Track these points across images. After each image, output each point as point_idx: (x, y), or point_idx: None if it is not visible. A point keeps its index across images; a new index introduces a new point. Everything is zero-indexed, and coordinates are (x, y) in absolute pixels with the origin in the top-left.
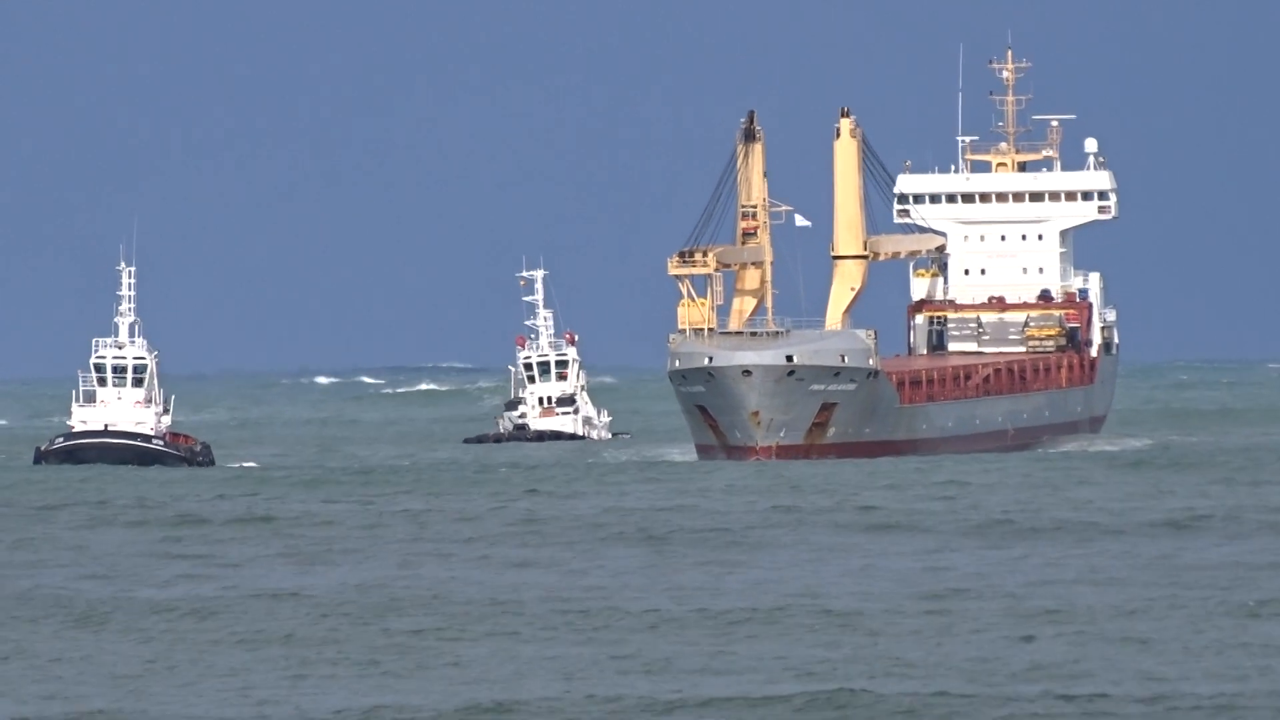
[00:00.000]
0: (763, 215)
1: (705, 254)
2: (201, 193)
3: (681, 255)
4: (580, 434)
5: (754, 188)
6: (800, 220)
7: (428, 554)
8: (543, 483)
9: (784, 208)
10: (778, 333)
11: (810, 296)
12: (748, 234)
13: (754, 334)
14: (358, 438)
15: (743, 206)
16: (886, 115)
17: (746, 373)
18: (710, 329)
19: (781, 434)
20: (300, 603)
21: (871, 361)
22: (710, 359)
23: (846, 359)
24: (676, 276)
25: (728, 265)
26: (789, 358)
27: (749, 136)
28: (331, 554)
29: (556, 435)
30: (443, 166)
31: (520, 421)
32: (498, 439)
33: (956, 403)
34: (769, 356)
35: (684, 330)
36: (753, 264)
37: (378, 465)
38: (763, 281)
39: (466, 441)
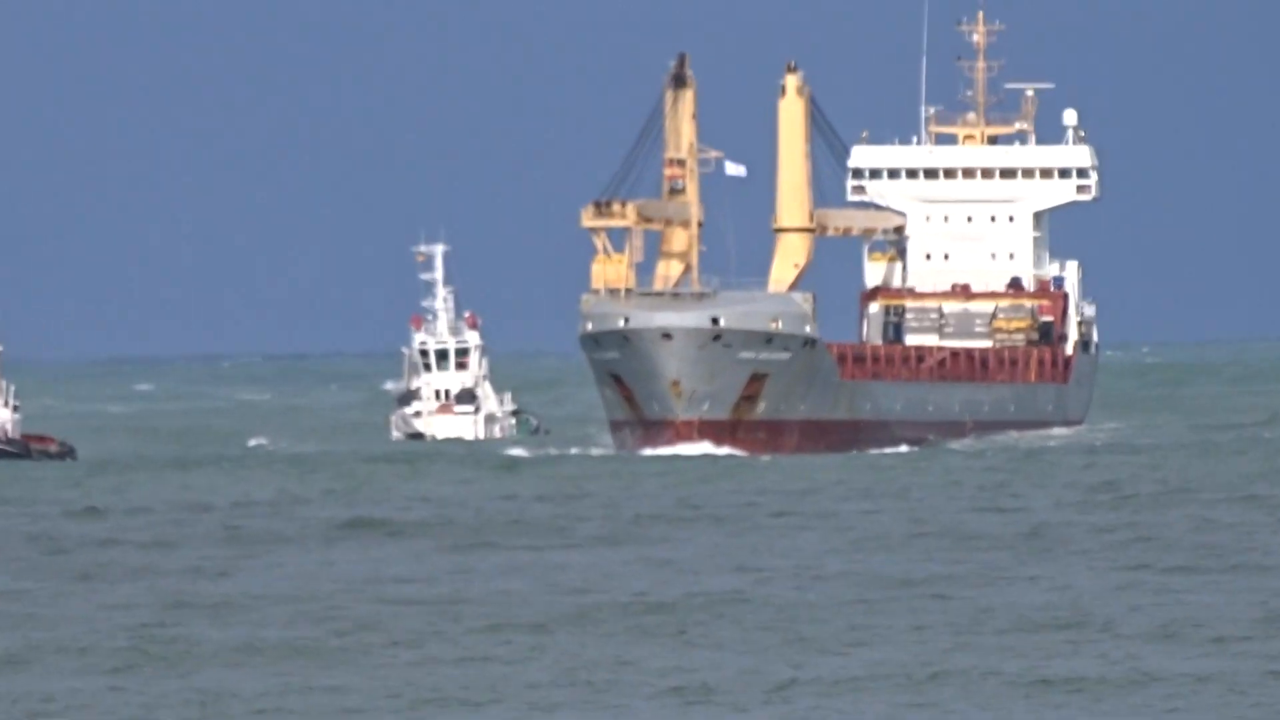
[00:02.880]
0: (691, 163)
1: (624, 205)
2: (68, 168)
3: (597, 205)
4: (481, 437)
5: (682, 136)
6: (732, 168)
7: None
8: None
9: (714, 154)
10: (703, 294)
11: (745, 261)
12: (674, 188)
13: (676, 295)
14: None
15: (669, 156)
16: (840, 78)
17: (666, 336)
18: (628, 289)
19: (705, 407)
20: None
21: (808, 328)
22: (626, 320)
23: (780, 324)
24: (591, 230)
25: (650, 221)
26: (715, 320)
27: (679, 82)
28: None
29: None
30: (329, 133)
31: (412, 431)
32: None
33: (906, 384)
34: (692, 319)
35: (598, 290)
36: (679, 222)
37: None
38: (690, 243)
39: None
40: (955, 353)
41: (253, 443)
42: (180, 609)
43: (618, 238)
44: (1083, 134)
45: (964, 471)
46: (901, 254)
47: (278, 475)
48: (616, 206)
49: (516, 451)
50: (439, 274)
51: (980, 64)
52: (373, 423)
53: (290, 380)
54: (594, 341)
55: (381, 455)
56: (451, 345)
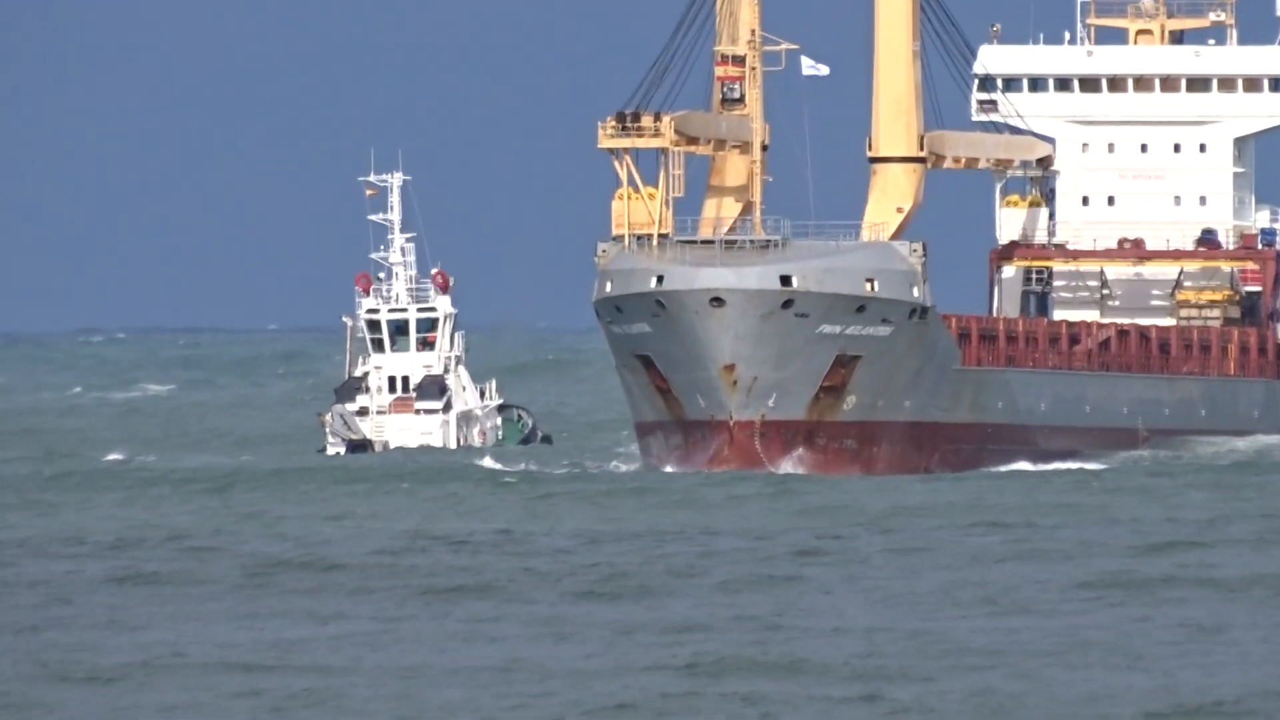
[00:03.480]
0: (753, 60)
1: (658, 118)
2: None
3: (621, 119)
4: (453, 445)
5: (740, 22)
6: (810, 66)
7: None
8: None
9: (785, 46)
10: (768, 242)
11: (829, 199)
12: (728, 95)
13: (730, 244)
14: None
15: (721, 51)
16: None
17: (717, 302)
18: (663, 235)
19: (770, 402)
20: None
21: (917, 292)
22: (660, 279)
23: (877, 285)
24: (612, 153)
25: (694, 141)
26: (785, 279)
27: None
28: None
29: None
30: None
31: (353, 438)
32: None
33: (1055, 374)
34: (753, 277)
35: (621, 237)
36: (735, 143)
37: None
38: (751, 172)
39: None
40: (1124, 331)
41: (112, 457)
42: None
43: (649, 164)
44: None
45: (1153, 503)
46: (1048, 198)
47: (111, 510)
48: (648, 120)
49: (497, 466)
50: (395, 215)
51: None
52: (302, 426)
53: (196, 366)
54: (615, 309)
55: (295, 476)
56: (412, 314)
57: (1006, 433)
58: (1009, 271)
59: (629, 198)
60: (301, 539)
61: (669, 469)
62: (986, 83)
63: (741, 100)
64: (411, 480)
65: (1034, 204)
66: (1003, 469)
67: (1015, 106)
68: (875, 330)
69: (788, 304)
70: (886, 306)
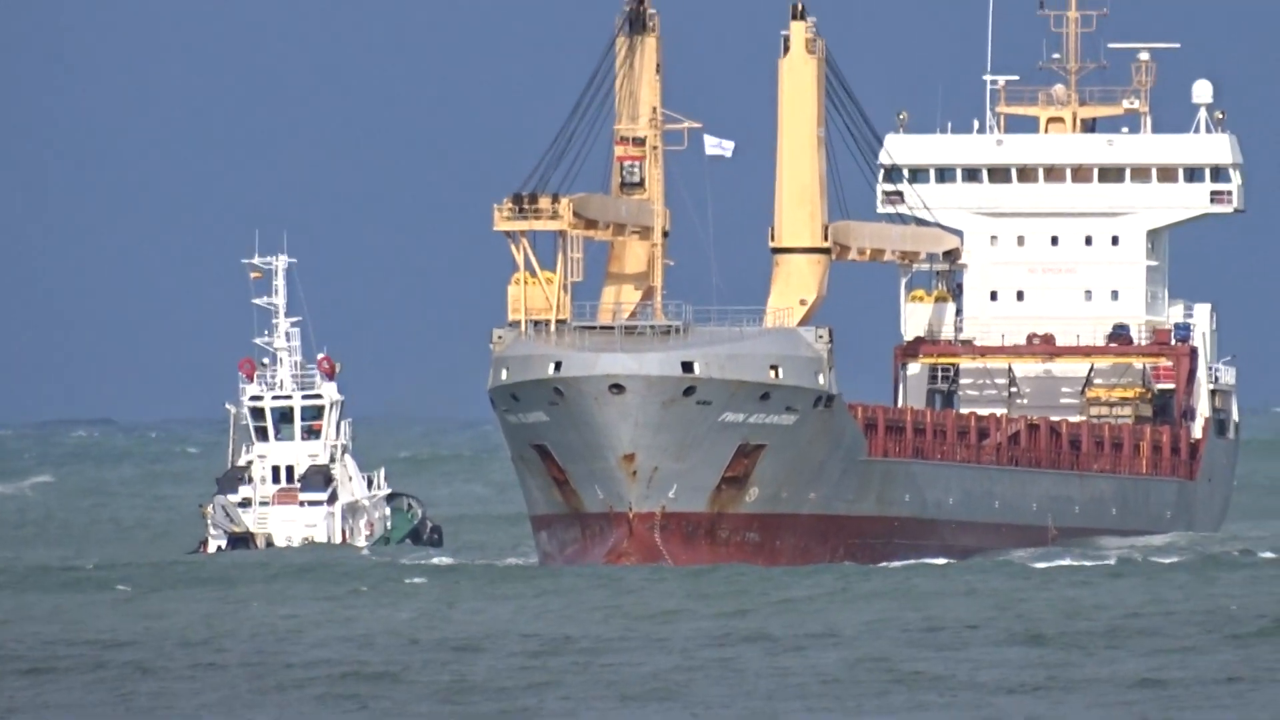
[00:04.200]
0: (654, 140)
1: (556, 201)
2: None
3: (517, 201)
4: (338, 539)
5: (641, 102)
6: (714, 145)
7: None
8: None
9: (687, 124)
10: (669, 328)
11: (733, 283)
12: (628, 178)
13: (631, 329)
14: None
15: (621, 131)
16: (869, 32)
17: (616, 389)
18: (561, 320)
19: (671, 493)
20: None
21: (822, 380)
22: (557, 365)
23: (781, 372)
24: (508, 235)
25: (593, 225)
26: (686, 366)
27: (636, 24)
28: None
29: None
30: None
31: (235, 530)
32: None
33: (964, 467)
34: (654, 363)
35: (517, 322)
36: (635, 228)
37: None
38: (651, 258)
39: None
40: (1034, 425)
41: None
42: None
43: (546, 248)
44: (1220, 116)
45: (1060, 605)
46: (955, 291)
47: None
48: (545, 202)
49: (378, 559)
50: (280, 299)
51: (1073, 13)
52: (182, 517)
53: (80, 458)
54: (511, 397)
55: (163, 576)
56: (297, 401)
57: (914, 527)
58: (914, 368)
59: (526, 282)
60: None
61: (571, 564)
62: (892, 173)
63: (641, 184)
64: (312, 583)
65: (940, 299)
66: (912, 564)
67: (922, 197)
68: (779, 419)
69: (689, 391)
70: (791, 394)
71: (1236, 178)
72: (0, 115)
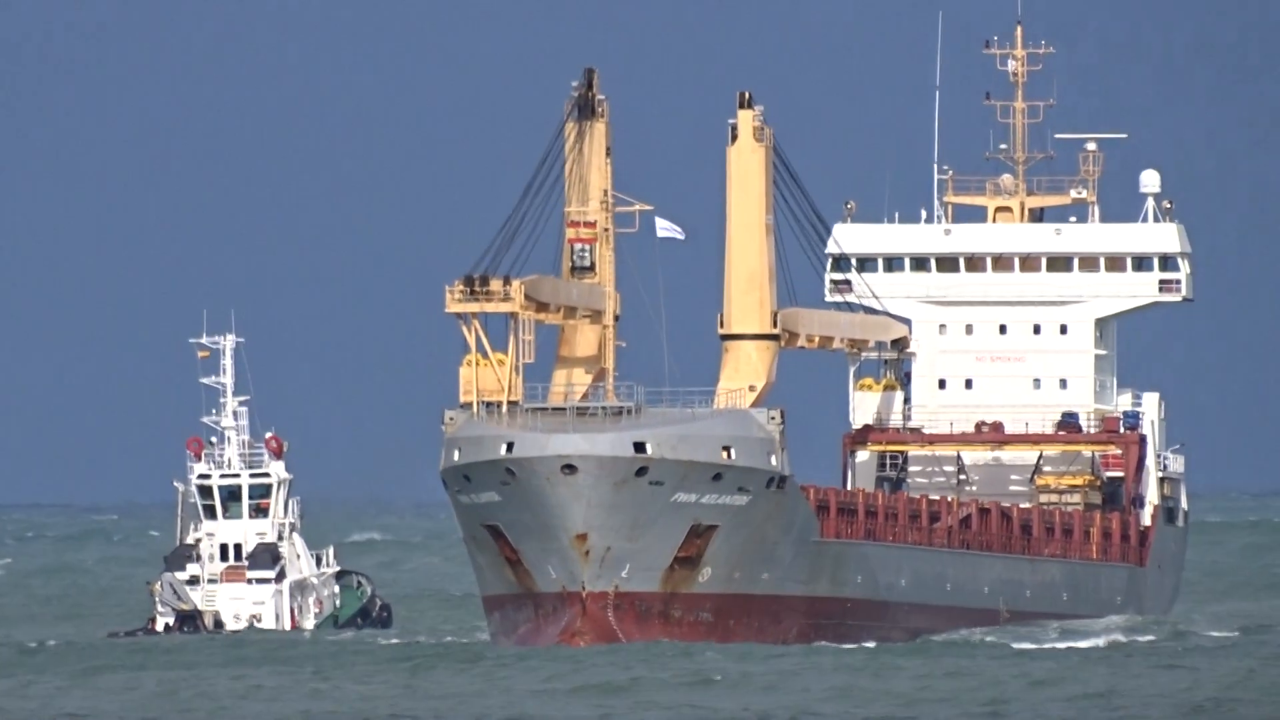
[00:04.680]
0: (605, 222)
1: (507, 283)
2: None
3: (469, 283)
4: (286, 630)
5: (591, 185)
6: (665, 229)
7: None
8: None
9: (639, 207)
10: (621, 409)
11: (685, 364)
12: (579, 262)
13: (583, 410)
14: None
15: (572, 214)
16: (817, 120)
17: (569, 469)
18: (513, 402)
19: (624, 573)
20: None
21: (775, 460)
22: (509, 446)
23: (733, 453)
24: (459, 316)
25: (544, 307)
26: (639, 446)
27: (585, 110)
28: None
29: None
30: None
31: (183, 607)
32: (147, 637)
33: (916, 550)
34: (606, 443)
35: (469, 404)
36: (585, 312)
37: None
38: (602, 342)
39: (113, 636)
40: (985, 509)
41: None
42: None
43: (498, 330)
44: (1169, 205)
45: (1009, 685)
46: (903, 380)
47: None
48: (497, 285)
49: (327, 638)
50: (228, 378)
51: (1019, 104)
52: (126, 593)
53: (32, 539)
54: (463, 478)
55: (100, 660)
56: (245, 480)
57: (865, 609)
58: (863, 455)
59: (478, 363)
60: None
61: (522, 645)
62: (840, 262)
63: (592, 268)
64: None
65: (889, 387)
66: (864, 646)
67: (870, 286)
68: (732, 499)
69: (642, 471)
70: (744, 475)
71: (1185, 266)
72: None
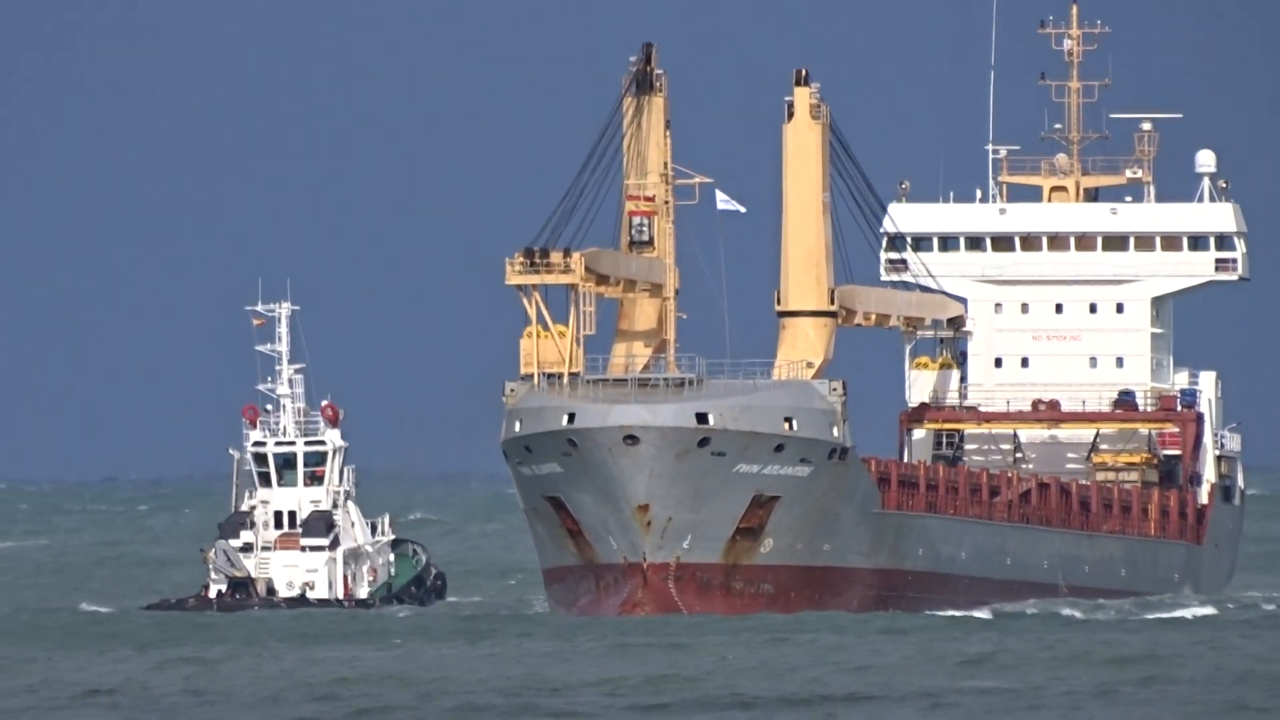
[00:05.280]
0: (665, 194)
1: (567, 255)
2: None
3: (528, 256)
4: (340, 598)
5: (649, 160)
6: (725, 202)
7: None
8: None
9: (699, 179)
10: (683, 380)
11: (746, 336)
12: (637, 236)
13: (644, 382)
14: None
15: (632, 185)
16: (872, 99)
17: (631, 440)
18: (574, 374)
19: (686, 544)
20: None
21: (836, 432)
22: (571, 417)
23: (795, 424)
24: (519, 289)
25: (604, 280)
26: (701, 417)
27: (643, 84)
28: None
29: (299, 602)
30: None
31: (236, 574)
32: (199, 603)
33: (976, 523)
34: (668, 414)
35: (529, 375)
36: (645, 285)
37: None
38: (661, 315)
39: (151, 609)
40: (1045, 484)
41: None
42: None
43: (558, 303)
44: (1225, 185)
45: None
46: (960, 358)
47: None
48: (556, 257)
49: (385, 613)
50: (284, 345)
51: (1074, 84)
52: (183, 562)
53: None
54: (524, 449)
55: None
56: (300, 448)
57: (926, 581)
58: (919, 434)
59: (539, 335)
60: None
61: (585, 615)
62: (896, 241)
63: (650, 242)
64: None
65: (945, 366)
66: (926, 615)
67: (926, 265)
68: (794, 470)
69: (704, 442)
70: (806, 446)
71: (1241, 246)
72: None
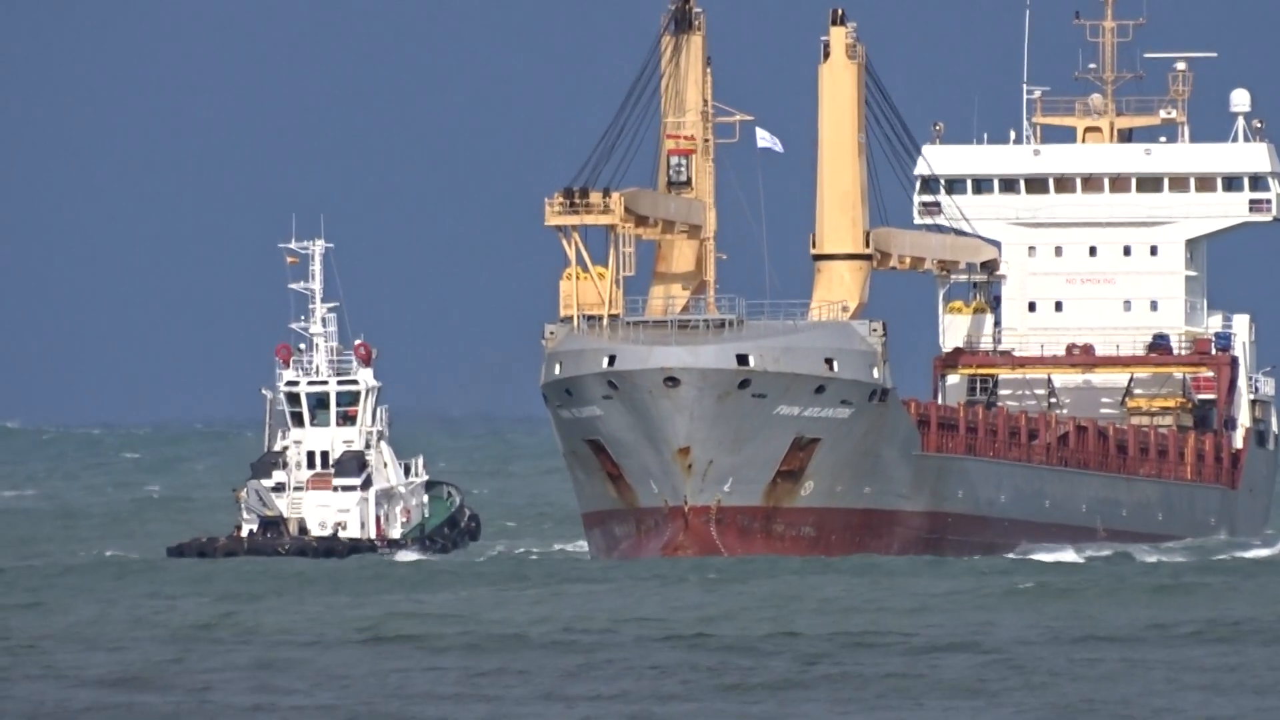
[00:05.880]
0: (705, 132)
1: (607, 196)
2: None
3: (568, 196)
4: (372, 539)
5: (687, 99)
6: (765, 139)
7: None
8: None
9: (739, 117)
10: (723, 322)
11: (785, 278)
12: (675, 177)
13: (684, 323)
14: None
15: (670, 124)
16: (906, 41)
17: (672, 381)
18: (613, 315)
19: (726, 487)
20: None
21: (877, 373)
22: (611, 359)
23: (836, 366)
24: (559, 229)
25: (643, 220)
26: (741, 359)
27: (681, 23)
28: None
29: (328, 549)
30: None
31: (268, 514)
32: (229, 549)
33: (1016, 466)
34: (709, 356)
35: (569, 317)
36: (684, 227)
37: None
38: (701, 256)
39: (172, 553)
40: (1082, 427)
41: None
42: None
43: (598, 243)
44: (1260, 124)
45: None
46: (993, 303)
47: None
48: (596, 197)
49: (411, 557)
50: (317, 284)
51: (1109, 23)
52: (214, 502)
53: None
54: (564, 392)
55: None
56: (333, 387)
57: (966, 524)
58: (954, 379)
59: (578, 277)
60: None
61: (625, 559)
62: (930, 183)
63: (688, 183)
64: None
65: (979, 310)
66: (966, 560)
67: (959, 208)
68: (835, 412)
69: (744, 384)
70: (846, 387)
71: (1275, 186)
72: (38, 107)
